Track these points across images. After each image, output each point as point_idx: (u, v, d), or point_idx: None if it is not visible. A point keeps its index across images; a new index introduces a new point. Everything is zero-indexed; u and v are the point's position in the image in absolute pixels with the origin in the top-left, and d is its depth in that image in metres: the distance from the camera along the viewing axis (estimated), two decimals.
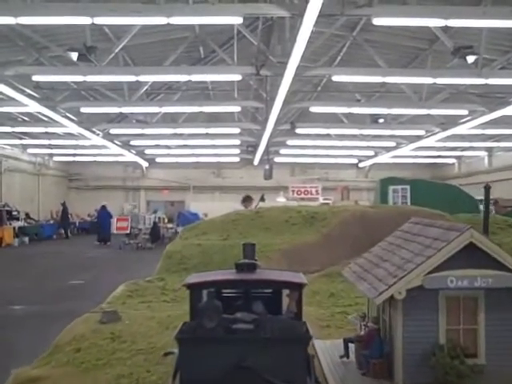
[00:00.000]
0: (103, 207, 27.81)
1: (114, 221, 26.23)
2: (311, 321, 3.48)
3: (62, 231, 31.31)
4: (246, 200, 16.19)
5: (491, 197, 24.92)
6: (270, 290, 2.58)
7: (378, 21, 11.75)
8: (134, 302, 4.84)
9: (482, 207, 16.84)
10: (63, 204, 31.61)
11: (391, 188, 12.02)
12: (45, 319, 8.00)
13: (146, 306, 4.66)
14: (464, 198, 11.38)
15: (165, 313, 4.24)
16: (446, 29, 14.01)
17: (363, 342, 3.02)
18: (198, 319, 2.23)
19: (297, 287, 2.38)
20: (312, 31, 11.24)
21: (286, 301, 2.55)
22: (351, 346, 3.19)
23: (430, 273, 2.74)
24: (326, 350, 3.32)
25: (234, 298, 2.50)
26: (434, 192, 10.98)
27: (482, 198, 19.97)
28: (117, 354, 3.50)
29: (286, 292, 2.54)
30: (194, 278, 2.43)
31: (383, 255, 3.22)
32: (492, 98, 20.60)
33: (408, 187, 11.83)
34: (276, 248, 6.27)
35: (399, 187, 11.96)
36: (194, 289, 2.37)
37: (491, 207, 21.18)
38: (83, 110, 21.75)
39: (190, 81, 19.30)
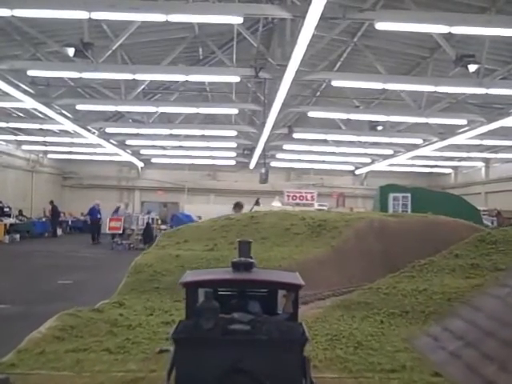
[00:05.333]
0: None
1: (106, 220, 26.13)
2: None
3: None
4: (237, 206, 15.89)
5: (491, 208, 24.82)
6: (265, 290, 2.50)
7: (380, 25, 11.58)
8: (60, 350, 3.20)
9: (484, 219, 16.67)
10: (51, 202, 31.31)
11: (391, 195, 11.70)
12: (27, 321, 7.53)
13: (74, 359, 3.07)
14: (467, 208, 11.03)
15: (96, 379, 2.83)
16: (448, 37, 13.90)
17: None
18: (195, 319, 2.15)
19: (294, 288, 2.30)
20: (313, 35, 11.08)
21: (281, 301, 2.41)
22: None
23: None
24: None
25: (229, 297, 2.42)
26: (436, 201, 10.56)
27: (482, 208, 19.57)
28: None
29: (282, 292, 2.40)
30: (190, 277, 2.36)
31: None
32: (491, 108, 20.52)
33: (409, 195, 11.53)
34: (275, 264, 5.02)
35: (400, 195, 11.62)
36: (191, 287, 2.27)
37: (493, 219, 21.09)
38: (79, 107, 21.51)
39: (187, 81, 19.13)
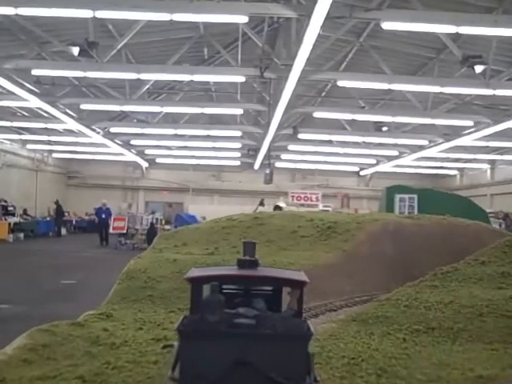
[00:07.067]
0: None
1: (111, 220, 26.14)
2: None
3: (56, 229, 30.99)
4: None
5: (497, 210, 24.64)
6: (270, 287, 2.53)
7: (386, 25, 11.51)
8: (25, 377, 2.65)
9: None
10: (56, 202, 31.29)
11: (398, 197, 11.57)
12: (26, 323, 7.35)
13: None
14: (475, 210, 10.83)
15: None
16: (454, 37, 13.80)
17: None
18: (200, 313, 2.18)
19: (299, 285, 2.32)
20: (318, 34, 11.00)
21: (286, 299, 2.38)
22: None
23: None
24: None
25: (234, 294, 2.45)
26: (444, 203, 10.33)
27: (488, 210, 19.44)
28: None
29: (286, 290, 2.40)
30: (195, 272, 2.39)
31: None
32: (498, 109, 20.39)
33: (416, 196, 11.37)
34: None
35: (406, 196, 11.49)
36: (196, 283, 2.29)
37: (500, 221, 20.90)
38: (84, 106, 21.50)
39: (192, 81, 19.09)
